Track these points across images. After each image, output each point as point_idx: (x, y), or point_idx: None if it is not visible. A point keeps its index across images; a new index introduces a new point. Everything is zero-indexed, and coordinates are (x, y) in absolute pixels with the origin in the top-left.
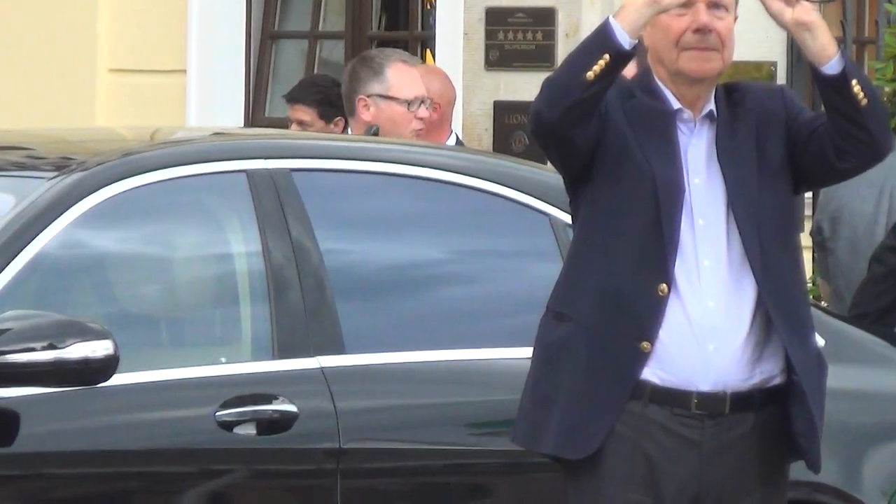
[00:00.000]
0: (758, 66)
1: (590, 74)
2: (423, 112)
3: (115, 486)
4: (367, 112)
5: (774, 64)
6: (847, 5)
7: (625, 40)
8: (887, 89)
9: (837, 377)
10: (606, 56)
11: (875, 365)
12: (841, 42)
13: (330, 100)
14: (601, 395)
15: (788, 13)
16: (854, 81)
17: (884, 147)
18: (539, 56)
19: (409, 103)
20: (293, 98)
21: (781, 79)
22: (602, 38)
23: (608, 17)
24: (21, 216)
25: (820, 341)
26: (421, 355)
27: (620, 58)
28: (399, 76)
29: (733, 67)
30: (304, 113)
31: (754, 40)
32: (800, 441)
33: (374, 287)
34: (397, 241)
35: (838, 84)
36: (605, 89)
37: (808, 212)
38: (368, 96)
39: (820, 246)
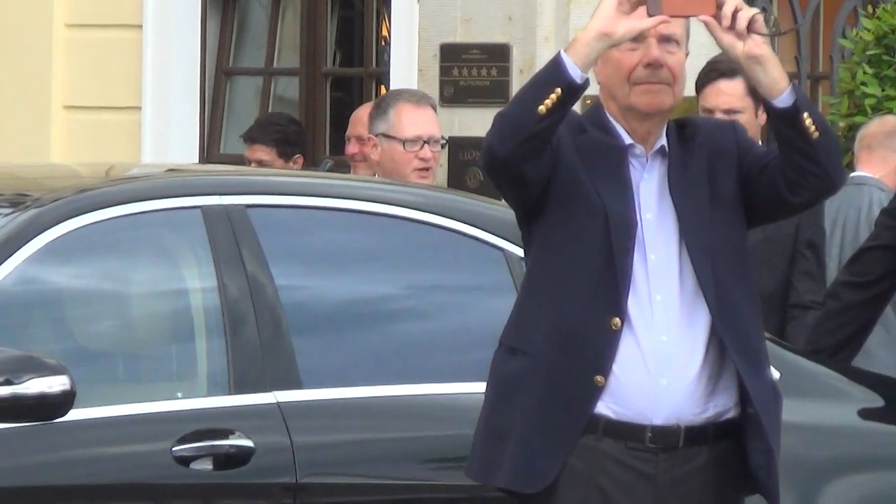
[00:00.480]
0: None
1: (542, 108)
2: (426, 152)
3: None
4: (375, 151)
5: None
6: (801, 41)
7: (576, 74)
8: (842, 124)
9: (794, 411)
10: (558, 90)
11: (831, 398)
12: (795, 77)
13: (287, 138)
14: (555, 429)
15: (740, 46)
16: (805, 114)
17: (836, 180)
18: (494, 92)
19: (405, 142)
20: (251, 138)
21: None
22: (553, 72)
23: (560, 52)
24: None
25: (775, 374)
26: (377, 390)
27: (572, 91)
28: (402, 115)
29: (688, 103)
30: (264, 152)
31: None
32: (759, 475)
33: (330, 322)
34: (353, 277)
35: (790, 117)
36: (557, 123)
37: None
38: (376, 135)
39: None
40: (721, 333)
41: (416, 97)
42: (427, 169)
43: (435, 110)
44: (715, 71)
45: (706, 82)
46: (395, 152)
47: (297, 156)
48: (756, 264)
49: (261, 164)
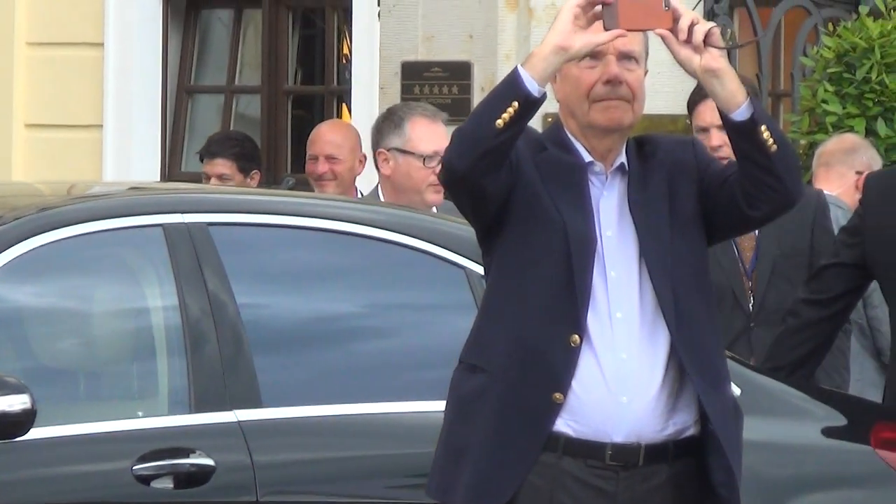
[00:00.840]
0: (673, 119)
1: (499, 122)
2: None
3: None
4: (386, 165)
5: (690, 117)
6: (762, 58)
7: (533, 88)
8: (803, 142)
9: (755, 428)
10: (515, 104)
11: (792, 416)
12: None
13: (246, 153)
14: (514, 447)
15: (696, 60)
16: (763, 127)
17: (794, 194)
18: (455, 110)
19: (425, 158)
20: (211, 153)
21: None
22: (511, 87)
23: (517, 66)
24: None
25: (736, 391)
26: (338, 409)
27: (529, 105)
28: (417, 130)
29: (649, 121)
30: (224, 167)
31: (670, 93)
32: (720, 491)
33: (291, 340)
34: (314, 295)
35: (747, 130)
36: (515, 137)
37: None
38: (388, 150)
39: None
40: (679, 351)
41: (430, 112)
42: (437, 184)
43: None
44: None
45: (699, 100)
46: (411, 167)
47: (254, 171)
48: (775, 280)
49: (221, 178)
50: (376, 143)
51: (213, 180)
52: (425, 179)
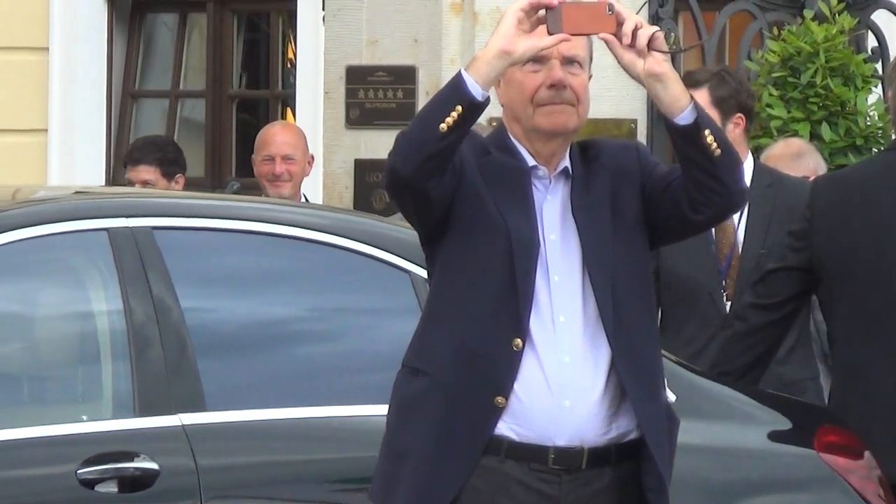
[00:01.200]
0: (618, 123)
1: (443, 126)
2: None
3: None
4: None
5: (635, 121)
6: (707, 62)
7: (477, 92)
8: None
9: (699, 433)
10: (459, 107)
11: (736, 420)
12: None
13: (169, 157)
14: (455, 450)
15: (640, 64)
16: (706, 132)
17: (737, 197)
18: (400, 114)
19: None
20: (134, 160)
21: (642, 136)
22: (455, 90)
23: (461, 70)
24: None
25: (671, 396)
26: (282, 412)
27: (473, 109)
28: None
29: (594, 125)
30: (148, 172)
31: (615, 98)
32: (648, 497)
33: (235, 344)
34: (259, 299)
35: (691, 135)
36: (459, 141)
37: None
38: None
39: None
40: (615, 357)
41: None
42: None
43: None
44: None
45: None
46: None
47: (178, 175)
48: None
49: (145, 184)
50: None
51: (137, 187)
52: None
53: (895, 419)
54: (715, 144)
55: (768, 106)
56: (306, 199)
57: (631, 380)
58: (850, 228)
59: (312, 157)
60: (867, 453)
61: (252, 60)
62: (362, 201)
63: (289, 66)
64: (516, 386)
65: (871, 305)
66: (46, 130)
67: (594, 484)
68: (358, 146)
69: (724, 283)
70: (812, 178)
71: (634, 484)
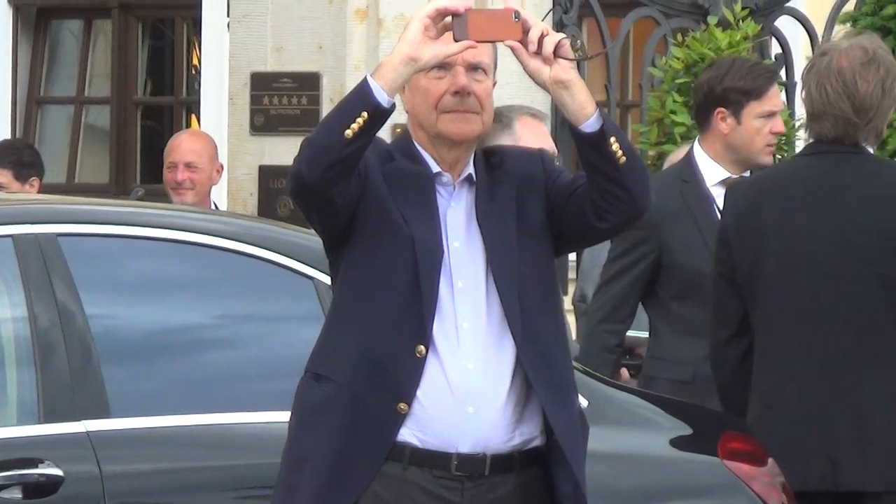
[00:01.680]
0: None
1: (348, 132)
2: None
3: None
4: None
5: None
6: (611, 69)
7: (383, 98)
8: (651, 153)
9: (604, 439)
10: (365, 114)
11: (641, 427)
12: (605, 105)
13: (24, 160)
14: (357, 457)
15: (546, 71)
16: (612, 139)
17: (642, 205)
18: (304, 121)
19: None
20: None
21: None
22: (360, 97)
23: (366, 76)
24: None
25: (583, 402)
26: (187, 419)
27: (378, 115)
28: (526, 128)
29: None
30: (0, 175)
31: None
32: (565, 503)
33: (140, 351)
34: (163, 306)
35: (596, 142)
36: (364, 147)
37: (571, 275)
38: None
39: (584, 314)
40: (524, 363)
41: (533, 111)
42: None
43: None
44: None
45: (768, 84)
46: None
47: (33, 178)
48: None
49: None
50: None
51: None
52: None
53: (802, 428)
54: (620, 152)
55: (672, 112)
56: (216, 207)
57: (542, 385)
58: (764, 234)
59: (221, 166)
60: (771, 460)
61: (157, 67)
62: (266, 207)
63: (194, 72)
64: (419, 392)
65: (784, 316)
66: None
67: (498, 490)
68: (262, 153)
69: None
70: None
71: (539, 490)
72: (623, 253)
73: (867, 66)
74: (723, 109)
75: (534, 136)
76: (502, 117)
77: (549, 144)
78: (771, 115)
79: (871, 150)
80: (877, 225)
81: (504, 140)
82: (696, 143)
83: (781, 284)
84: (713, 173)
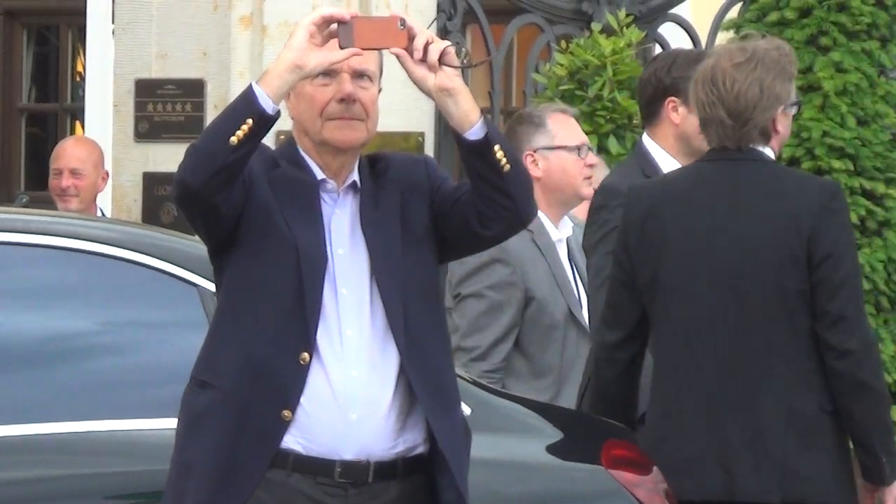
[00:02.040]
0: (406, 136)
1: (234, 139)
2: (592, 158)
3: None
4: (536, 168)
5: (422, 134)
6: (495, 75)
7: (268, 105)
8: None
9: (487, 447)
10: (250, 121)
11: (524, 434)
12: (489, 112)
13: None
14: (241, 463)
15: (431, 79)
16: (497, 147)
17: (526, 213)
18: (188, 127)
19: (577, 150)
20: None
21: (429, 149)
22: (246, 104)
23: (252, 83)
24: None
25: (466, 410)
26: (70, 426)
27: (263, 122)
28: (559, 124)
29: (381, 138)
30: None
31: (402, 111)
32: None
33: (22, 357)
34: (47, 312)
35: (481, 150)
36: (249, 154)
37: None
38: (535, 151)
39: None
40: (408, 371)
41: (562, 108)
42: (590, 177)
43: None
44: None
45: None
46: (566, 162)
47: None
48: None
49: None
50: (523, 148)
51: None
52: (581, 171)
53: (699, 438)
54: (505, 160)
55: None
56: (103, 214)
57: (426, 393)
58: (665, 241)
59: (107, 173)
60: (655, 468)
61: (42, 74)
62: (150, 214)
63: (78, 79)
64: (303, 400)
65: (683, 324)
66: None
67: (381, 497)
68: (146, 159)
69: None
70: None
71: (422, 497)
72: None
73: (741, 66)
74: (674, 99)
75: (567, 131)
76: (534, 118)
77: (583, 138)
78: None
79: (769, 153)
80: (775, 235)
81: (540, 140)
82: (645, 137)
83: (680, 293)
84: (668, 165)
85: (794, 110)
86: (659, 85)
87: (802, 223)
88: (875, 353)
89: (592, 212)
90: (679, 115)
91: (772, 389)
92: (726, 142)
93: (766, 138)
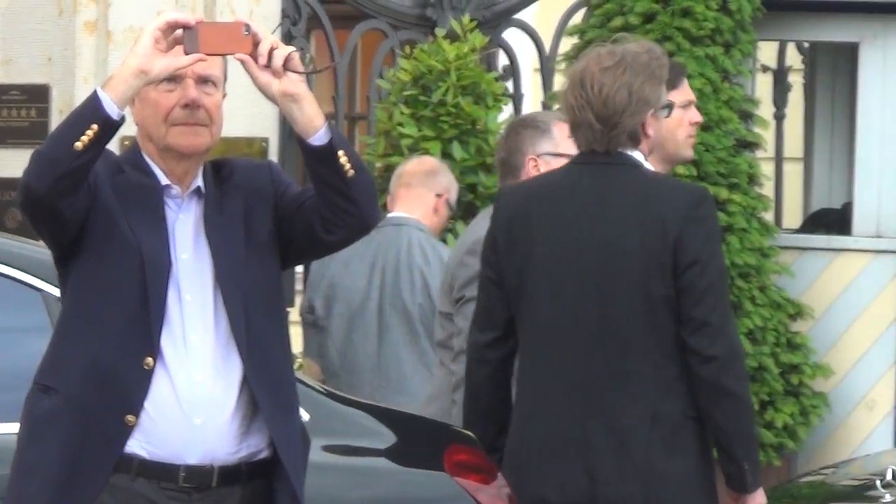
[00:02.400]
0: (249, 141)
1: (78, 144)
2: None
3: None
4: (536, 171)
5: (266, 140)
6: (339, 81)
7: (113, 111)
8: (379, 165)
9: (329, 452)
10: (95, 126)
11: (366, 439)
12: (333, 118)
13: None
14: (85, 468)
15: (276, 85)
16: (341, 152)
17: (370, 218)
18: (33, 133)
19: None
20: None
21: (273, 155)
22: (91, 109)
23: (96, 89)
24: None
25: (305, 416)
26: None
27: (108, 128)
28: (564, 134)
29: (225, 143)
30: None
31: (246, 116)
32: None
33: None
34: None
35: (325, 155)
36: (94, 160)
37: (298, 287)
38: (538, 156)
39: (312, 325)
40: (248, 377)
41: (559, 116)
42: None
43: None
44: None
45: (683, 75)
46: None
47: None
48: None
49: None
50: (519, 150)
51: None
52: None
53: (562, 442)
54: (349, 165)
55: (399, 125)
56: None
57: (266, 398)
58: (532, 244)
59: None
60: (499, 473)
61: None
62: None
63: None
64: (147, 404)
65: (548, 328)
66: None
67: (225, 502)
68: None
69: None
70: (498, 189)
71: (264, 502)
72: None
73: (609, 70)
74: None
75: (571, 141)
76: (539, 123)
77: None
78: (688, 104)
79: (639, 157)
80: (642, 241)
81: (545, 145)
82: None
83: (546, 296)
84: None
85: (665, 113)
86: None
87: (668, 229)
88: (740, 361)
89: None
90: (650, 125)
91: (636, 394)
92: (595, 145)
93: (635, 142)
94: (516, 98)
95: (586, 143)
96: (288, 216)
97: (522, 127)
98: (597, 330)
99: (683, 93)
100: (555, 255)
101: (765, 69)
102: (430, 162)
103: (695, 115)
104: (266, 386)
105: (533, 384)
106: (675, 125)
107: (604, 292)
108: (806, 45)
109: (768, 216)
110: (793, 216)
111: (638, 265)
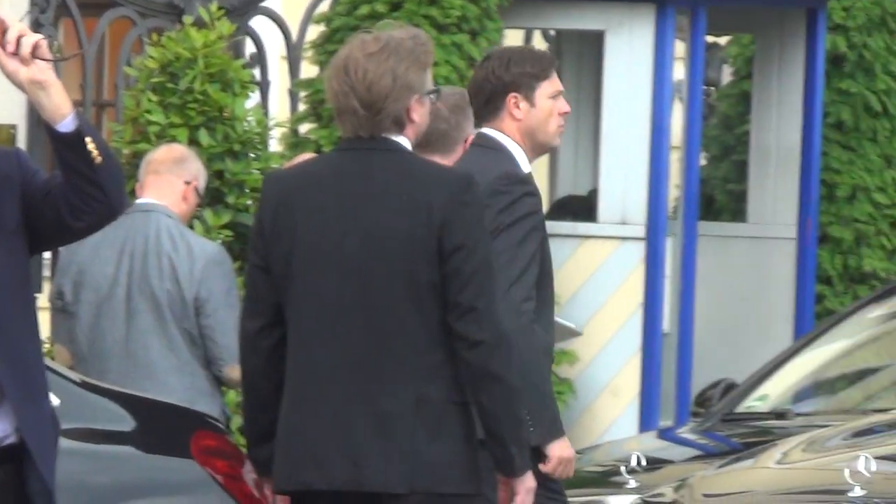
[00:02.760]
0: None
1: None
2: None
3: None
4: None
5: (14, 127)
6: (87, 69)
7: None
8: (126, 151)
9: (76, 437)
10: None
11: (112, 424)
12: (80, 105)
13: None
14: None
15: (23, 72)
16: (88, 139)
17: (118, 205)
18: None
19: None
20: None
21: (22, 142)
22: None
23: None
24: None
25: (55, 401)
26: None
27: None
28: None
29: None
30: None
31: None
32: (36, 500)
33: None
34: None
35: (72, 142)
36: None
37: (46, 273)
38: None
39: (61, 310)
40: None
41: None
42: None
43: None
44: None
45: (553, 66)
46: None
47: None
48: None
49: None
50: (461, 129)
51: None
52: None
53: (327, 428)
54: (97, 152)
55: (147, 112)
56: None
57: (11, 384)
58: (296, 230)
59: None
60: (247, 460)
61: None
62: None
63: None
64: None
65: (312, 314)
66: None
67: None
68: None
69: None
70: (265, 174)
71: (13, 487)
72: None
73: (373, 56)
74: (515, 94)
75: None
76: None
77: None
78: (558, 95)
79: (405, 143)
80: (406, 226)
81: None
82: (491, 131)
83: (310, 282)
84: (522, 158)
85: (430, 98)
86: (499, 82)
87: (434, 214)
88: (506, 346)
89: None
90: (521, 111)
91: (400, 380)
92: (360, 131)
93: (400, 127)
94: (263, 85)
95: (352, 129)
96: (35, 203)
97: (469, 106)
98: (361, 317)
99: (553, 83)
100: (318, 241)
101: None
102: (178, 150)
103: (563, 106)
104: (12, 372)
105: (300, 371)
106: (545, 115)
107: (367, 279)
108: (552, 32)
109: None
110: None
111: (403, 251)
